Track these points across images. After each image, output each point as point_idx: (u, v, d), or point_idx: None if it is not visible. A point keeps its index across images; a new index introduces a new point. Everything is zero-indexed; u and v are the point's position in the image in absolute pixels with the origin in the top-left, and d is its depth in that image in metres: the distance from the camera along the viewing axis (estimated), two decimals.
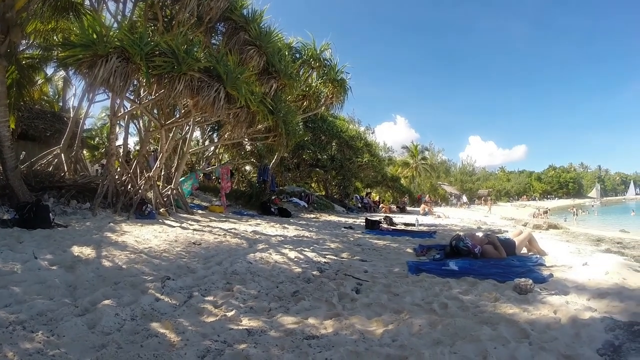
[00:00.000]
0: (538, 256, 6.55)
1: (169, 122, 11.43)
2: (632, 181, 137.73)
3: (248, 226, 9.56)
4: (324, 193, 27.91)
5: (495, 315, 3.43)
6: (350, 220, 14.94)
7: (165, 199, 11.04)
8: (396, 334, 2.97)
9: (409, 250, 7.56)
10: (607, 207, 71.84)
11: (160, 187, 11.64)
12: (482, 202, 60.12)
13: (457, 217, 23.74)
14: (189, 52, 8.44)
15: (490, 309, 3.63)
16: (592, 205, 72.41)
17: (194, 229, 8.08)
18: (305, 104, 17.53)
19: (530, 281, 4.40)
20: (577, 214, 41.18)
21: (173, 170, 12.35)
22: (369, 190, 34.15)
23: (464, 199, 56.14)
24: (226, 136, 14.27)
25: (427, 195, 45.41)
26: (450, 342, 2.82)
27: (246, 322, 3.11)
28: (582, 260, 6.15)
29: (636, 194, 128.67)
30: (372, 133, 45.34)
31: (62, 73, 17.87)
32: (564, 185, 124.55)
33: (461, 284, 4.70)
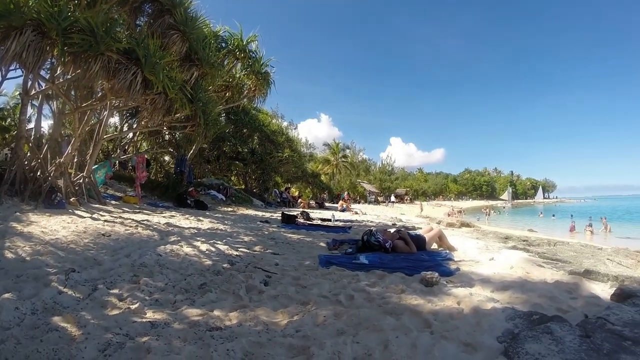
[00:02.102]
0: (447, 251, 6.88)
1: (84, 105, 10.79)
2: (540, 186, 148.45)
3: (162, 218, 9.32)
4: (243, 187, 27.60)
5: (400, 306, 3.55)
6: (268, 215, 14.89)
7: (76, 188, 10.42)
8: (300, 325, 3.03)
9: (322, 244, 7.67)
10: (517, 209, 76.78)
11: (72, 174, 11.04)
12: (405, 201, 62.37)
13: (373, 214, 24.28)
14: (108, 32, 8.03)
15: (396, 300, 3.75)
16: (504, 207, 77.57)
17: (105, 220, 7.75)
18: (228, 94, 17.33)
19: (436, 274, 4.60)
20: (489, 214, 43.71)
21: (88, 157, 11.67)
22: (288, 185, 34.19)
23: (393, 198, 57.69)
24: (143, 123, 13.77)
25: (346, 192, 46.21)
26: (354, 332, 2.89)
27: (150, 315, 3.07)
28: (489, 255, 6.54)
29: (544, 198, 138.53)
30: (295, 129, 45.73)
31: None
32: (478, 187, 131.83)
33: (370, 276, 4.83)
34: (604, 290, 4.36)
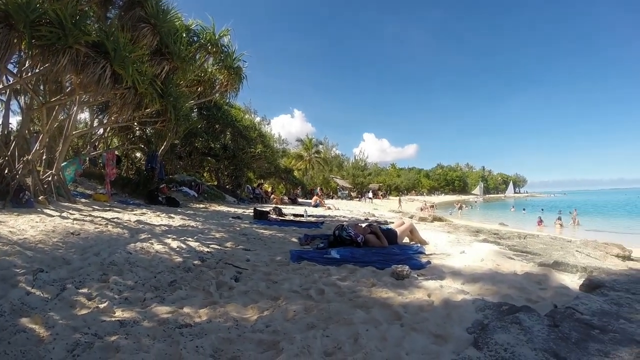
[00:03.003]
0: (419, 245, 6.97)
1: (52, 100, 10.50)
2: (511, 181, 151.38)
3: (132, 215, 9.20)
4: (215, 183, 27.35)
5: (371, 299, 3.59)
6: (240, 211, 14.84)
7: (45, 186, 10.17)
8: (270, 320, 3.05)
9: (294, 239, 7.71)
10: (489, 204, 78.22)
11: (41, 172, 10.80)
12: (380, 197, 62.79)
13: (346, 209, 24.43)
14: (77, 24, 7.84)
15: (366, 293, 3.79)
16: (476, 201, 78.88)
17: (75, 219, 7.60)
18: (199, 89, 17.17)
19: (407, 267, 4.66)
20: (461, 209, 44.39)
21: (57, 154, 11.37)
22: (261, 181, 34.08)
23: (370, 194, 57.95)
24: (113, 119, 13.53)
25: (319, 188, 46.29)
26: (324, 326, 2.92)
27: (119, 314, 3.05)
28: (460, 248, 6.65)
29: (515, 193, 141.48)
30: (268, 124, 45.52)
31: None
32: (451, 182, 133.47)
33: (341, 271, 4.86)
34: (573, 281, 4.50)
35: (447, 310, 3.31)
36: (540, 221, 26.65)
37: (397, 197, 59.64)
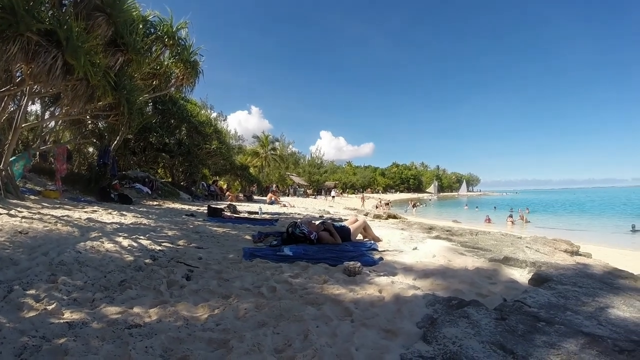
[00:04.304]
0: (372, 242, 7.05)
1: (1, 90, 10.01)
2: (465, 180, 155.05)
3: (83, 213, 8.95)
4: (170, 180, 26.92)
5: (322, 296, 3.63)
6: (194, 208, 14.67)
7: None
8: (221, 318, 3.05)
9: (247, 237, 7.70)
10: (443, 202, 79.97)
11: None
12: (339, 195, 63.28)
13: (302, 206, 24.45)
14: (30, 11, 7.56)
15: (318, 290, 3.83)
16: (430, 199, 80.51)
17: (23, 217, 7.35)
18: (155, 83, 16.76)
19: (359, 264, 4.72)
20: (415, 207, 45.27)
21: (5, 148, 10.86)
22: (216, 178, 33.74)
23: (333, 193, 58.19)
24: (64, 111, 13.08)
25: (275, 185, 46.22)
26: (275, 323, 2.94)
27: (68, 315, 3.00)
28: (413, 245, 6.77)
29: (468, 191, 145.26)
30: (225, 120, 45.04)
31: None
32: (406, 180, 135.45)
33: (293, 268, 4.91)
34: (522, 276, 4.65)
35: (397, 305, 3.38)
36: (489, 219, 27.56)
37: (361, 195, 60.13)
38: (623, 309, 3.13)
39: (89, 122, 17.76)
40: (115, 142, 17.71)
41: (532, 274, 4.58)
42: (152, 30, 15.30)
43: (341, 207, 29.27)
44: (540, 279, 4.21)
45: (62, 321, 2.87)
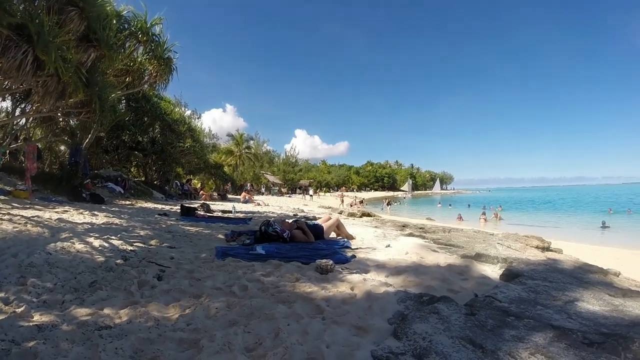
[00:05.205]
0: (345, 240, 7.11)
1: None
2: (438, 178, 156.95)
3: (54, 213, 8.75)
4: (143, 179, 26.53)
5: (293, 294, 3.64)
6: (167, 207, 14.51)
7: None
8: (192, 318, 3.04)
9: (220, 236, 7.68)
10: (417, 199, 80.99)
11: None
12: (316, 193, 63.44)
13: (276, 205, 24.42)
14: (1, 4, 7.40)
15: (290, 288, 3.84)
16: (404, 197, 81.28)
17: None
18: (128, 79, 16.55)
19: (331, 261, 4.74)
20: (390, 204, 45.65)
21: None
22: (190, 177, 33.46)
23: (311, 191, 58.17)
24: (35, 108, 12.82)
25: (249, 184, 46.08)
26: (246, 322, 2.93)
27: (37, 318, 2.96)
28: (386, 242, 6.80)
29: (442, 189, 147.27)
30: (198, 118, 44.63)
31: None
32: (380, 179, 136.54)
33: (266, 266, 4.91)
34: (494, 271, 4.75)
35: (369, 302, 3.41)
36: (460, 217, 28.02)
37: (340, 193, 60.23)
38: (593, 303, 3.22)
39: (61, 119, 17.39)
40: (87, 140, 17.42)
41: (503, 269, 4.68)
42: (126, 25, 15.13)
43: (316, 206, 29.34)
44: (511, 275, 4.31)
45: (31, 324, 2.83)
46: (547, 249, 6.90)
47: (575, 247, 12.03)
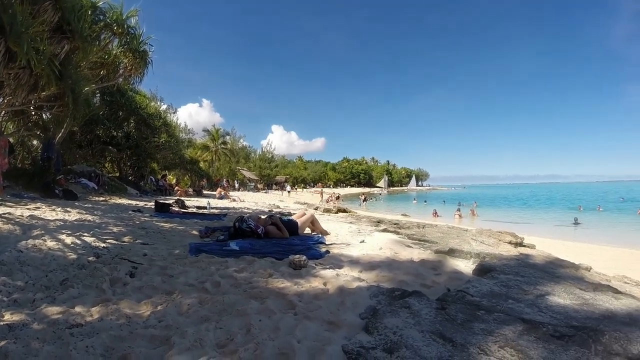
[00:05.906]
0: (320, 235, 7.18)
1: None
2: (414, 175, 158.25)
3: (26, 210, 8.59)
4: (117, 174, 26.22)
5: (266, 290, 3.66)
6: (142, 204, 14.35)
7: None
8: (163, 315, 3.05)
9: (194, 232, 7.68)
10: (393, 196, 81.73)
11: None
12: (295, 189, 63.42)
13: (252, 201, 24.41)
14: None
15: (262, 284, 3.86)
16: (380, 194, 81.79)
17: None
18: (102, 72, 16.24)
19: (304, 257, 4.79)
20: (366, 200, 46.01)
21: None
22: (165, 172, 33.12)
23: (288, 187, 58.12)
24: (6, 101, 12.57)
25: (225, 180, 45.87)
26: (217, 318, 2.94)
27: (8, 317, 2.94)
28: (360, 238, 6.89)
29: (417, 186, 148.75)
30: (174, 113, 44.13)
31: None
32: (356, 175, 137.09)
33: (239, 262, 4.90)
34: (467, 266, 4.84)
35: (341, 297, 3.46)
36: (435, 213, 28.37)
37: (319, 189, 60.37)
38: (564, 297, 3.30)
39: (33, 113, 17.05)
40: (60, 135, 17.12)
41: (476, 264, 4.77)
42: (101, 17, 14.75)
43: (292, 202, 29.35)
44: (483, 269, 4.40)
45: (1, 323, 2.82)
46: (520, 244, 7.03)
47: (548, 242, 12.25)
